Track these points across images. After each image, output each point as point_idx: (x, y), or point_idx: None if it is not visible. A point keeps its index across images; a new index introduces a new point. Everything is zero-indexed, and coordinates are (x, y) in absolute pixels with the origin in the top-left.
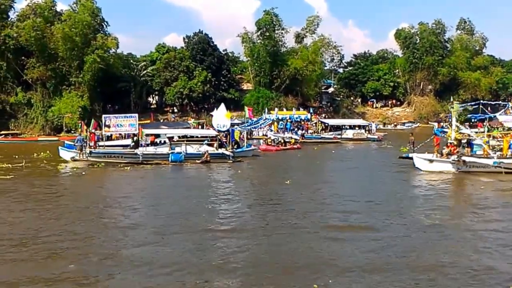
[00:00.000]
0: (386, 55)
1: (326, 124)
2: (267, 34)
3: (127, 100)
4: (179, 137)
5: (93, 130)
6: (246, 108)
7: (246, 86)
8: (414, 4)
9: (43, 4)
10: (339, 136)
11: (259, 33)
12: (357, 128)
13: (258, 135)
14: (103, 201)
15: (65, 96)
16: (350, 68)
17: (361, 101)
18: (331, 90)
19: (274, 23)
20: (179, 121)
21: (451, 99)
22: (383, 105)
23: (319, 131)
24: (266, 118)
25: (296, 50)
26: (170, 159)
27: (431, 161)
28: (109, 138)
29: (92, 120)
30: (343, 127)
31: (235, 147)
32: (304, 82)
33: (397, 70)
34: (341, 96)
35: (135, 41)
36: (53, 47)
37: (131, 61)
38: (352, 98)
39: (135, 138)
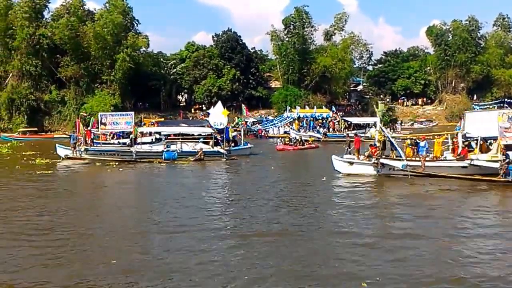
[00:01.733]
0: (417, 52)
1: (349, 122)
2: (296, 31)
3: (157, 98)
4: (175, 135)
5: (89, 128)
6: (243, 106)
7: (274, 84)
8: (447, 0)
9: (76, 3)
10: (362, 135)
11: (287, 31)
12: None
13: (279, 133)
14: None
15: (97, 94)
16: (380, 65)
17: (391, 99)
18: (360, 88)
19: (304, 20)
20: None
21: (477, 97)
22: (414, 103)
23: (342, 129)
24: (287, 116)
25: (324, 48)
26: (163, 157)
27: (351, 163)
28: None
29: (92, 118)
30: (367, 125)
31: (232, 145)
32: (332, 80)
33: (428, 68)
34: (370, 94)
35: (165, 39)
36: (85, 45)
37: (161, 59)
38: (381, 96)
39: (130, 136)
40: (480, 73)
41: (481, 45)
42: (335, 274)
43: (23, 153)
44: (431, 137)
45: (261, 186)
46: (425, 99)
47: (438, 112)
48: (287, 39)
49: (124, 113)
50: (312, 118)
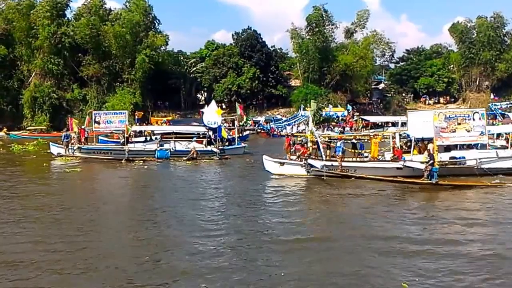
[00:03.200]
0: (440, 50)
1: (367, 121)
2: (317, 29)
3: (177, 97)
4: (168, 133)
5: (83, 127)
6: (237, 105)
7: (294, 82)
8: None
9: (97, 2)
10: (380, 134)
11: (308, 28)
12: (399, 125)
13: (292, 131)
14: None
15: (118, 92)
16: (402, 63)
17: (413, 98)
18: (381, 86)
19: (324, 18)
20: (226, 117)
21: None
22: (436, 101)
23: (360, 128)
24: (301, 115)
25: (345, 46)
26: (156, 155)
27: (281, 163)
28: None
29: (86, 117)
30: (385, 124)
31: (226, 144)
32: (353, 78)
33: (452, 66)
34: (391, 93)
35: (185, 38)
36: (106, 45)
37: (181, 58)
38: (403, 95)
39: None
40: (505, 71)
41: (507, 43)
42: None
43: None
44: (368, 137)
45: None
46: (448, 97)
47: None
48: (308, 37)
49: (118, 111)
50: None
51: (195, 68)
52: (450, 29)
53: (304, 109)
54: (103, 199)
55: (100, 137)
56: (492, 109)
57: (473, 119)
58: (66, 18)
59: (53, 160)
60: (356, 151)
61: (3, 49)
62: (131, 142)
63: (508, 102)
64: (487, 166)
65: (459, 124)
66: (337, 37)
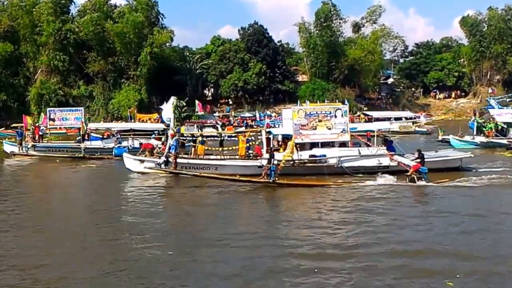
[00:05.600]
0: (450, 43)
1: (370, 117)
2: (325, 24)
3: (183, 93)
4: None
5: (37, 124)
6: (196, 102)
7: (301, 77)
8: None
9: None
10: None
11: (316, 23)
12: (404, 121)
13: None
14: None
15: (123, 89)
16: (411, 57)
17: (423, 92)
18: (390, 81)
19: (332, 13)
20: (233, 113)
21: None
22: (447, 96)
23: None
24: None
25: (353, 40)
26: (114, 153)
27: (141, 161)
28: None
29: (42, 114)
30: (388, 119)
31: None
32: (362, 73)
33: (462, 59)
34: (401, 87)
35: (191, 33)
36: (111, 41)
37: (187, 54)
38: (413, 89)
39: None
40: None
41: None
42: None
43: None
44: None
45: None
46: (458, 91)
47: (472, 105)
48: (316, 31)
49: (73, 108)
50: None
51: (201, 64)
52: (460, 22)
53: (300, 105)
54: (45, 203)
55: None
56: (490, 103)
57: (335, 116)
58: (70, 15)
59: (8, 158)
60: (222, 148)
61: (9, 46)
62: (87, 140)
63: (503, 96)
64: (348, 165)
65: (320, 121)
66: (345, 31)
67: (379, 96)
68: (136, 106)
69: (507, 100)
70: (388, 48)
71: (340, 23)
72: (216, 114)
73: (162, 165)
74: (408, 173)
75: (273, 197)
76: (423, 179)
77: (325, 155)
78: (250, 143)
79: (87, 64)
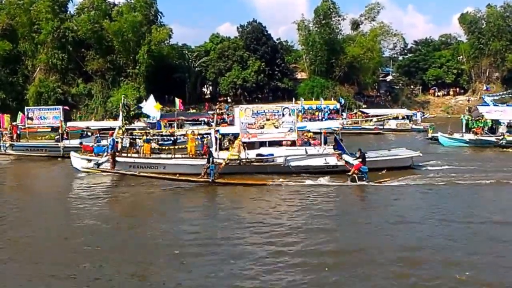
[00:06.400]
0: (449, 40)
1: (367, 114)
2: (324, 21)
3: (182, 91)
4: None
5: (15, 123)
6: (176, 99)
7: (300, 75)
8: None
9: None
10: (381, 127)
11: (315, 20)
12: (400, 118)
13: None
14: None
15: (122, 87)
16: (410, 55)
17: (422, 90)
18: (389, 78)
19: (331, 10)
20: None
21: None
22: (445, 93)
23: (359, 121)
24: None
25: (352, 38)
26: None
27: (89, 160)
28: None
29: (19, 113)
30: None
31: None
32: (361, 70)
33: (461, 57)
34: (400, 85)
35: (189, 31)
36: (109, 40)
37: (186, 51)
38: (412, 87)
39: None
40: None
41: None
42: None
43: None
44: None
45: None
46: (457, 89)
47: (471, 102)
48: (315, 29)
49: (52, 107)
50: (317, 110)
51: (200, 62)
52: (459, 19)
53: (295, 102)
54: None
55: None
56: (485, 100)
57: (283, 115)
58: (68, 13)
59: None
60: (174, 147)
61: (8, 44)
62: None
63: (498, 94)
64: (295, 164)
65: (267, 120)
66: (343, 29)
67: (378, 94)
68: (134, 104)
69: (508, 96)
70: (388, 45)
71: (339, 20)
72: (211, 112)
73: (104, 165)
74: (349, 173)
75: (213, 196)
76: (364, 178)
77: (272, 154)
78: (205, 141)
79: (85, 62)
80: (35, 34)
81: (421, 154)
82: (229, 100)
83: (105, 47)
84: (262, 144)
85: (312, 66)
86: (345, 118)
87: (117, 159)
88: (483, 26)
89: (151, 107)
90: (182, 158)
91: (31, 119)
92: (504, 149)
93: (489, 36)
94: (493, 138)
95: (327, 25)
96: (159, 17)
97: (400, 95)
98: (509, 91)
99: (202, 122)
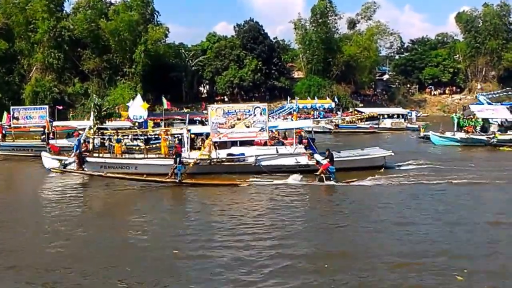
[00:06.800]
0: (445, 39)
1: (362, 113)
2: (321, 20)
3: (179, 90)
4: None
5: (1, 123)
6: (163, 99)
7: (297, 74)
8: None
9: None
10: (376, 126)
11: (312, 19)
12: (395, 117)
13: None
14: None
15: (119, 86)
16: (407, 53)
17: (418, 89)
18: (386, 77)
19: (328, 9)
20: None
21: None
22: (442, 92)
23: (355, 120)
24: (288, 108)
25: (349, 37)
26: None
27: (60, 160)
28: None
29: (4, 112)
30: (381, 116)
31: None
32: (358, 69)
33: (457, 55)
34: (396, 84)
35: (186, 30)
36: (105, 39)
37: (182, 50)
38: (408, 86)
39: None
40: None
41: None
42: None
43: None
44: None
45: None
46: (453, 88)
47: (468, 101)
48: (312, 28)
49: (38, 106)
50: (312, 109)
51: (196, 61)
52: (456, 18)
53: (290, 101)
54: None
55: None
56: (480, 99)
57: (254, 114)
58: (64, 12)
59: None
60: (148, 146)
61: (3, 43)
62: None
63: (493, 92)
64: (266, 164)
65: (238, 119)
66: (340, 28)
67: (375, 93)
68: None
69: (504, 95)
70: (384, 44)
71: (335, 19)
72: (205, 111)
73: (71, 165)
74: (317, 173)
75: (182, 197)
76: (331, 178)
77: (243, 154)
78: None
79: (82, 62)
80: (31, 33)
81: (393, 154)
82: (226, 99)
83: (101, 46)
84: (234, 143)
85: (309, 65)
86: (340, 117)
87: (88, 159)
88: (479, 25)
89: (138, 106)
90: (154, 158)
91: (17, 118)
92: (499, 148)
93: (486, 35)
94: (484, 137)
95: (324, 24)
96: (155, 16)
97: (396, 94)
98: (503, 90)
99: (197, 121)
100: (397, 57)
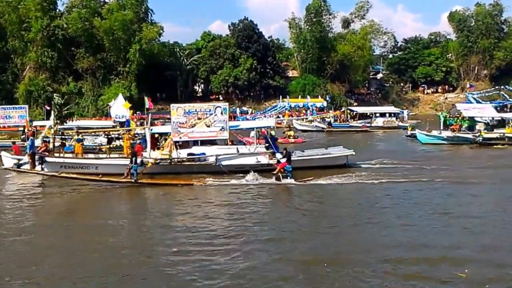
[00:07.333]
0: (438, 38)
1: (355, 112)
2: (315, 19)
3: (174, 89)
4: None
5: None
6: (145, 98)
7: (291, 73)
8: None
9: None
10: (368, 125)
11: (306, 18)
12: (387, 116)
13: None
14: None
15: (113, 85)
16: (400, 52)
17: (411, 87)
18: (379, 76)
19: (322, 8)
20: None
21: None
22: (435, 91)
23: (347, 119)
24: (281, 107)
25: (343, 36)
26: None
27: (18, 160)
28: None
29: None
30: (373, 115)
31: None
32: (352, 68)
33: (450, 54)
34: (390, 82)
35: (181, 29)
36: (99, 38)
37: (177, 49)
38: (401, 84)
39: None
40: (504, 59)
41: (504, 31)
42: None
43: None
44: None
45: None
46: (446, 86)
47: (460, 99)
48: (306, 27)
49: (17, 106)
50: (304, 108)
51: (191, 60)
52: (449, 17)
53: (282, 100)
54: None
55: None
56: (469, 98)
57: (215, 114)
58: (58, 10)
59: None
60: (111, 146)
61: None
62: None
63: (482, 91)
64: (226, 163)
65: (199, 119)
66: (334, 27)
67: (369, 91)
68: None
69: (495, 93)
70: (378, 43)
71: (329, 18)
72: None
73: (26, 166)
74: (274, 172)
75: (135, 197)
76: (288, 177)
77: (204, 153)
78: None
79: (76, 61)
80: (25, 32)
81: (354, 153)
82: (221, 98)
83: (95, 45)
84: (195, 143)
85: (303, 64)
86: (332, 116)
87: (48, 159)
88: (471, 24)
89: (120, 106)
90: (116, 158)
91: None
92: (493, 146)
93: (478, 34)
94: (470, 135)
95: (318, 23)
96: (149, 14)
97: (390, 92)
98: (492, 88)
99: None
100: (390, 56)
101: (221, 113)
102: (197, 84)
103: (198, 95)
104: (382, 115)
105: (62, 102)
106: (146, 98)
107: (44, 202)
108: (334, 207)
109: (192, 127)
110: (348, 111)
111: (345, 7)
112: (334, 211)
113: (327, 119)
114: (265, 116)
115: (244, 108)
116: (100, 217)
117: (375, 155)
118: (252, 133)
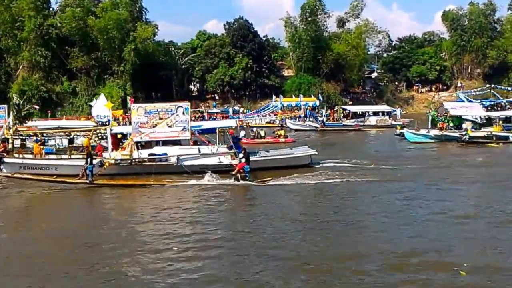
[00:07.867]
0: (432, 37)
1: (348, 111)
2: (310, 18)
3: (169, 88)
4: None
5: None
6: (128, 98)
7: (287, 72)
8: None
9: None
10: (361, 123)
11: (302, 17)
12: (380, 115)
13: (262, 122)
14: None
15: (107, 85)
16: (394, 52)
17: (406, 86)
18: (374, 75)
19: (317, 7)
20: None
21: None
22: (429, 89)
23: (340, 118)
24: (273, 106)
25: (338, 35)
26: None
27: None
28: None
29: None
30: (366, 113)
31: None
32: (347, 67)
33: (444, 53)
34: (384, 81)
35: (176, 28)
36: (93, 37)
37: (172, 48)
38: (396, 83)
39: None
40: (497, 58)
41: (497, 30)
42: None
43: None
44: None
45: None
46: (440, 85)
47: (454, 98)
48: (302, 26)
49: None
50: (297, 107)
51: (186, 59)
52: (442, 16)
53: (275, 100)
54: None
55: None
56: (460, 97)
57: (177, 114)
58: (52, 9)
59: None
60: (70, 147)
61: None
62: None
63: (473, 90)
64: (188, 163)
65: (160, 119)
66: (329, 26)
67: (364, 90)
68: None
69: (488, 92)
70: (373, 42)
71: (324, 17)
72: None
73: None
74: (233, 172)
75: (90, 198)
76: (246, 178)
77: (166, 154)
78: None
79: (70, 60)
80: (18, 31)
81: (316, 153)
82: (217, 97)
83: (89, 45)
84: (157, 143)
85: (298, 63)
86: (325, 115)
87: (6, 160)
88: (465, 24)
89: (102, 106)
90: (77, 158)
91: None
92: (487, 145)
93: (471, 33)
94: (457, 134)
95: (313, 22)
96: (144, 13)
97: (385, 91)
98: (482, 87)
99: None
100: (385, 55)
101: (183, 113)
102: (192, 84)
103: (193, 94)
104: (375, 114)
105: (21, 102)
106: (128, 98)
107: None
108: (288, 207)
109: (154, 127)
110: (341, 110)
111: (340, 7)
112: (288, 211)
113: (320, 118)
114: (257, 116)
115: (236, 108)
116: (45, 222)
117: (347, 154)
118: (243, 133)
